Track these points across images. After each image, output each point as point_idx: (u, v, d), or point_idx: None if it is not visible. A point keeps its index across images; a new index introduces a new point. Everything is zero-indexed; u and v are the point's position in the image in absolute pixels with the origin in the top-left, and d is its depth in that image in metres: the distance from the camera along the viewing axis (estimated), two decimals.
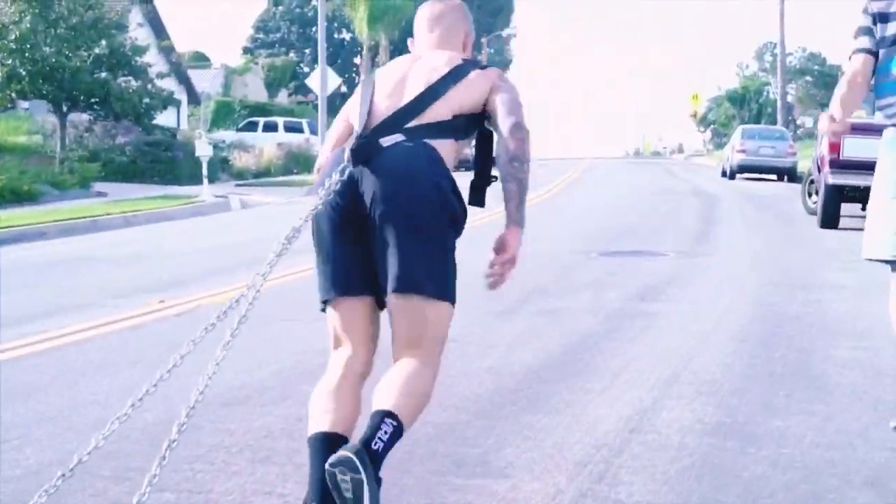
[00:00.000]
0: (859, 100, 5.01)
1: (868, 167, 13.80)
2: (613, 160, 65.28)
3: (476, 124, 3.76)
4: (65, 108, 34.38)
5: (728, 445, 4.54)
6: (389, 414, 3.35)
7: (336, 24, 70.14)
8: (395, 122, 3.61)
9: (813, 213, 16.30)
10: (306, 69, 79.04)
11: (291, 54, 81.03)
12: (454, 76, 3.70)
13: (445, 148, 3.64)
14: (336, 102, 40.31)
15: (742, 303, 8.47)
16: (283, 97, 61.50)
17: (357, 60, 67.28)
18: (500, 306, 8.33)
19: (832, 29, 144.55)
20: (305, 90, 53.84)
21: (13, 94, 33.93)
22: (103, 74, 33.90)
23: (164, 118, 45.39)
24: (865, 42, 4.87)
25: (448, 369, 4.41)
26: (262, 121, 50.12)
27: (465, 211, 3.72)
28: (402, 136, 3.58)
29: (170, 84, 47.64)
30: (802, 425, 4.88)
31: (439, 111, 3.64)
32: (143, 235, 17.06)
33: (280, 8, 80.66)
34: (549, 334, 7.15)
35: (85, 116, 35.43)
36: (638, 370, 6.01)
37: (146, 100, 34.24)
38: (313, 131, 47.07)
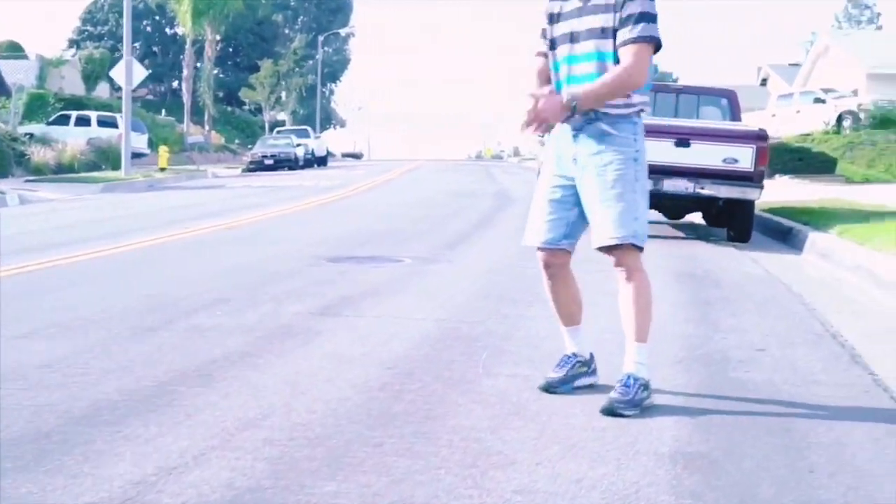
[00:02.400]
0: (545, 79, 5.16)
1: None
2: (450, 162, 64.83)
3: None
4: None
5: None
6: None
7: (166, 19, 67.63)
8: None
9: None
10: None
11: (120, 48, 78.31)
12: None
13: None
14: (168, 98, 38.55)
15: (432, 319, 7.28)
16: (104, 91, 59.03)
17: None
18: (159, 317, 7.05)
19: (662, 37, 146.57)
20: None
21: None
22: None
23: None
24: (540, 44, 5.16)
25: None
26: (74, 114, 47.88)
27: None
28: None
29: None
30: (362, 492, 3.68)
31: None
32: None
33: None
34: (166, 359, 5.85)
35: None
36: (221, 409, 4.75)
37: None
38: (132, 127, 45.00)
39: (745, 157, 13.25)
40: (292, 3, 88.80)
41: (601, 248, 4.97)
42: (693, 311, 7.98)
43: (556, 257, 5.11)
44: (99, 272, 9.93)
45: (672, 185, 13.41)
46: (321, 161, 58.09)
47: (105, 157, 41.23)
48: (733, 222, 14.16)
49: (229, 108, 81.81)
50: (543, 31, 5.13)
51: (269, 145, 52.17)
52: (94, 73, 54.64)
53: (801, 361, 6.14)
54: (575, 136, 4.97)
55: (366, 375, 5.51)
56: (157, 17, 77.70)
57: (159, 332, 6.68)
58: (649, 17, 4.86)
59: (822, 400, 5.26)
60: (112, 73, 37.95)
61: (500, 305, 7.92)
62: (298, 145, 52.91)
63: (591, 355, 5.33)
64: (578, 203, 5.01)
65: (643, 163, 5.00)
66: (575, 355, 5.25)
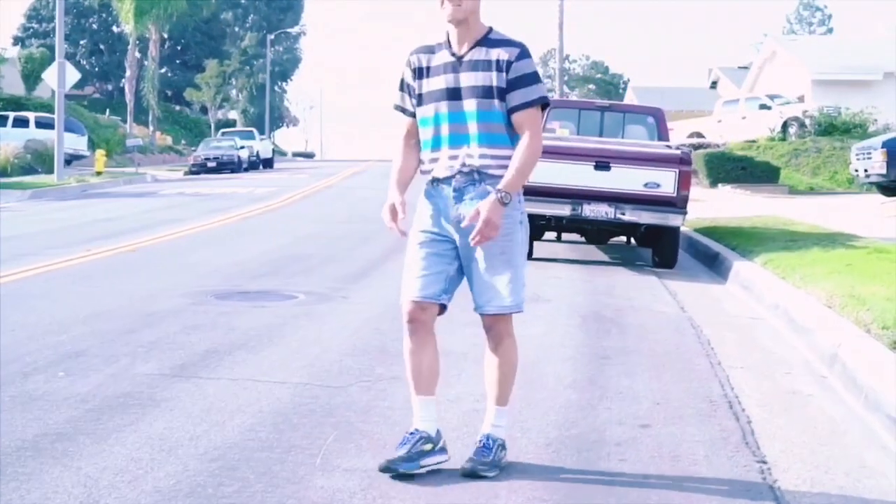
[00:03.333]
0: (414, 163, 5.03)
1: (556, 194, 12.25)
2: None
3: None
4: None
5: None
6: None
7: (112, 17, 66.45)
8: None
9: None
10: (82, 62, 75.32)
11: (66, 46, 77.00)
12: None
13: None
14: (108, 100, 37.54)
15: (292, 383, 6.61)
16: (45, 91, 57.80)
17: (138, 54, 63.85)
18: None
19: (614, 38, 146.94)
20: (78, 84, 50.46)
21: None
22: None
23: None
24: (400, 98, 5.03)
25: None
26: (12, 115, 46.84)
27: None
28: None
29: None
30: None
31: None
32: None
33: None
34: None
35: None
36: None
37: None
38: (68, 128, 44.02)
39: (667, 182, 12.67)
40: (242, 2, 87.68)
41: (484, 314, 4.91)
42: (585, 368, 7.35)
43: (427, 313, 4.88)
44: None
45: (592, 211, 12.81)
46: (267, 163, 57.29)
47: (42, 160, 40.32)
48: (657, 248, 13.60)
49: (177, 108, 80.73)
50: (406, 84, 4.98)
51: (212, 147, 51.31)
52: (35, 72, 53.46)
53: (686, 443, 5.53)
54: (457, 197, 4.84)
55: (181, 472, 4.83)
56: (104, 15, 76.39)
57: None
58: (538, 78, 4.84)
59: (696, 500, 4.64)
60: (44, 75, 36.95)
61: (376, 362, 7.27)
62: (242, 147, 52.08)
63: (439, 432, 4.96)
64: (458, 258, 4.91)
65: (526, 224, 4.99)
66: (418, 432, 4.91)
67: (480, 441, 4.93)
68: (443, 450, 4.93)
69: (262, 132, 67.39)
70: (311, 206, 24.22)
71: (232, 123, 78.83)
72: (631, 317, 9.67)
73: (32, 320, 8.70)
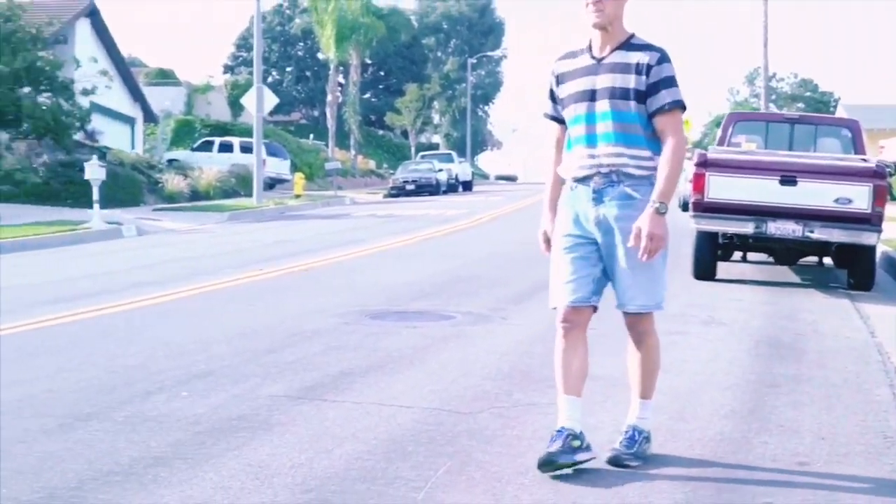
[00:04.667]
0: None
1: (738, 210, 11.49)
2: None
3: None
4: None
5: None
6: None
7: (316, 44, 67.83)
8: None
9: None
10: (288, 88, 77.20)
11: (273, 73, 79.17)
12: None
13: None
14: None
15: (419, 407, 6.14)
16: (250, 117, 59.41)
17: (341, 79, 65.10)
18: (106, 400, 6.10)
19: (824, 55, 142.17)
20: (276, 110, 51.66)
21: None
22: (26, 90, 31.80)
23: (117, 138, 43.43)
24: (550, 107, 5.13)
25: None
26: (217, 140, 48.14)
27: None
28: None
29: (123, 102, 45.75)
30: None
31: None
32: None
33: (262, 25, 78.73)
34: (60, 464, 4.89)
35: (6, 135, 33.33)
36: None
37: (62, 117, 31.97)
38: (271, 152, 45.01)
39: (860, 197, 11.71)
40: (444, 27, 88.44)
41: (627, 313, 5.00)
42: (747, 398, 6.64)
43: (581, 315, 4.97)
44: (96, 333, 9.08)
45: (778, 228, 11.96)
46: (466, 186, 57.32)
47: (244, 184, 41.15)
48: (852, 268, 12.62)
49: (379, 132, 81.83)
50: (552, 91, 5.10)
51: (410, 170, 51.63)
52: (239, 98, 54.92)
53: (846, 486, 4.80)
54: (596, 199, 4.89)
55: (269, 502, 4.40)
56: (308, 42, 78.17)
57: (89, 423, 5.74)
58: (676, 82, 4.85)
59: None
60: (243, 101, 37.76)
61: (516, 387, 6.74)
62: (440, 170, 52.20)
63: (582, 432, 4.93)
64: (602, 260, 4.94)
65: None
66: (564, 429, 4.89)
67: (626, 432, 5.07)
68: (589, 447, 4.89)
69: (463, 156, 67.59)
70: (496, 228, 23.86)
71: (434, 147, 79.40)
72: (811, 342, 8.86)
73: (177, 339, 8.49)
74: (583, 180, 4.92)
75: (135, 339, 8.59)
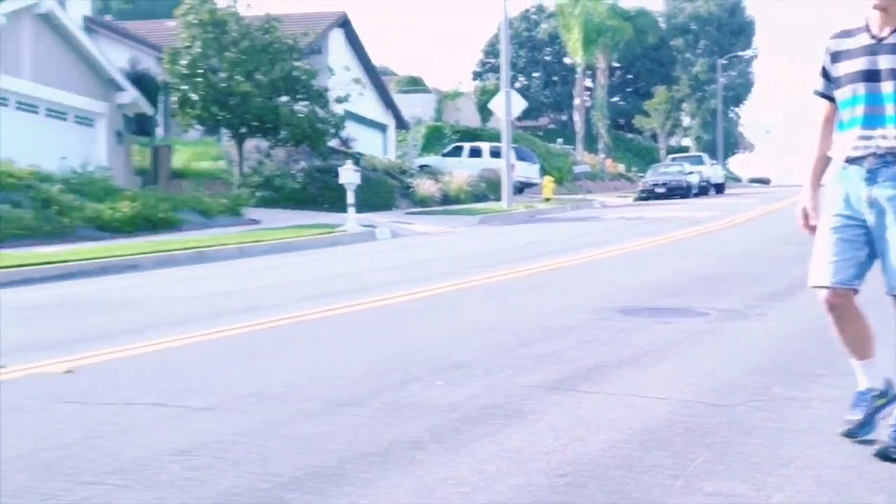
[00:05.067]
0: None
1: None
2: None
3: None
4: (241, 133, 33.86)
5: None
6: None
7: (564, 49, 67.96)
8: None
9: None
10: (536, 93, 77.61)
11: (521, 78, 79.74)
12: None
13: None
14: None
15: (673, 399, 6.04)
16: (499, 122, 60.07)
17: (588, 83, 65.10)
18: (364, 388, 6.28)
19: None
20: (524, 115, 52.08)
21: (191, 120, 33.43)
22: (283, 99, 33.15)
23: (369, 144, 44.74)
24: (820, 83, 5.05)
25: None
26: (467, 146, 48.86)
27: None
28: None
29: (375, 109, 47.03)
30: None
31: None
32: (220, 272, 15.80)
33: (509, 31, 79.51)
34: (321, 445, 5.05)
35: (266, 142, 34.84)
36: None
37: (318, 124, 33.14)
38: (520, 157, 45.39)
39: None
40: (692, 27, 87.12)
41: None
42: None
43: (843, 297, 4.91)
44: (354, 327, 9.36)
45: None
46: (718, 188, 56.36)
47: (493, 188, 41.64)
48: None
49: (629, 135, 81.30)
50: (825, 69, 5.01)
51: (660, 173, 51.11)
52: (488, 104, 55.62)
53: None
54: (869, 179, 4.78)
55: (523, 486, 4.42)
56: (556, 47, 78.40)
57: (349, 408, 5.90)
58: None
59: None
60: (491, 105, 38.19)
61: (775, 381, 6.54)
62: (691, 173, 51.47)
63: (888, 381, 5.08)
64: (869, 244, 4.85)
65: None
66: (869, 390, 5.02)
67: (894, 425, 4.84)
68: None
69: (714, 158, 66.41)
70: (751, 229, 23.35)
71: (684, 150, 78.30)
72: None
73: (431, 333, 8.66)
74: (856, 160, 4.81)
75: (390, 332, 8.81)
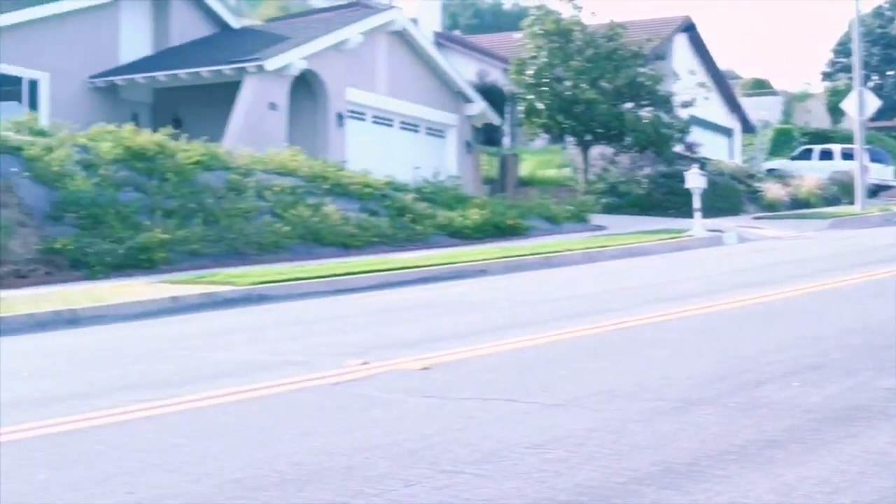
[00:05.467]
0: None
1: None
2: None
3: None
4: (587, 140, 34.17)
5: None
6: None
7: None
8: None
9: None
10: (891, 92, 73.91)
11: (874, 77, 76.16)
12: None
13: None
14: None
15: None
16: (850, 122, 57.66)
17: None
18: (716, 388, 6.24)
19: None
20: (878, 115, 49.82)
21: (537, 129, 34.06)
22: (628, 105, 33.24)
23: (715, 149, 44.08)
24: None
25: None
26: (817, 148, 47.24)
27: None
28: None
29: (720, 113, 46.28)
30: None
31: None
32: (566, 276, 16.07)
33: (861, 28, 76.03)
34: (677, 442, 5.06)
35: (610, 149, 35.01)
36: None
37: (663, 130, 33.00)
38: (873, 158, 43.52)
39: None
40: None
41: None
42: None
43: None
44: (704, 328, 9.25)
45: None
46: None
47: (846, 191, 40.02)
48: None
49: None
50: None
51: None
52: (838, 105, 53.57)
53: None
54: None
55: (888, 488, 4.25)
56: None
57: (701, 407, 5.85)
58: None
59: None
60: (843, 105, 36.70)
61: None
62: None
63: None
64: None
65: None
66: None
67: None
68: None
69: None
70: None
71: None
72: None
73: (785, 334, 8.45)
74: None
75: (741, 334, 8.66)
